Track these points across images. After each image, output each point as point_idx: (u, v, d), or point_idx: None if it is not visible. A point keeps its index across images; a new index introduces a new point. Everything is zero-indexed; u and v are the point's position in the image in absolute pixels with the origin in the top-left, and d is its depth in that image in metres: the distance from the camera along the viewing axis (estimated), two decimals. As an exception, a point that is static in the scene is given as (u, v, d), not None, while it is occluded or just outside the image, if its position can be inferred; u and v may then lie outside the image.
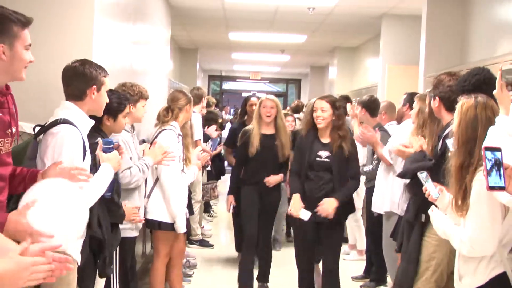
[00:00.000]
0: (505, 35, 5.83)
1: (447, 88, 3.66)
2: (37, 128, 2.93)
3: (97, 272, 3.36)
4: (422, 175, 3.08)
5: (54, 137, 2.80)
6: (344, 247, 6.48)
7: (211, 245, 7.53)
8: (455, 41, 7.02)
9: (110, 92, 3.53)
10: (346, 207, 4.81)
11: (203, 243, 7.49)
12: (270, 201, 5.62)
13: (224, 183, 9.67)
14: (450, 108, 3.44)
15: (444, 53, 7.02)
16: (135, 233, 4.21)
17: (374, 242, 5.68)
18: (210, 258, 7.00)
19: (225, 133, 9.23)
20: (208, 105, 8.36)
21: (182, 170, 4.74)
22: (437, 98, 3.71)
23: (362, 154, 5.55)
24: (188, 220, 4.76)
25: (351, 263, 6.66)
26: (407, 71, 8.52)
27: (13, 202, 2.48)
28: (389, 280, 5.66)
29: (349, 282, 6.02)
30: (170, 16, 8.98)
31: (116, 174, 3.32)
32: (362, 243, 6.77)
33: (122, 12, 5.19)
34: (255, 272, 5.78)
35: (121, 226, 3.73)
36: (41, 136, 2.88)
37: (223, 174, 9.13)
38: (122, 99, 3.76)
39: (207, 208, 9.25)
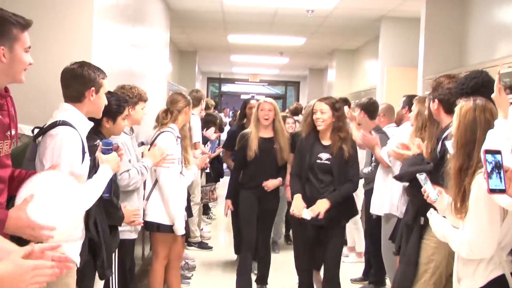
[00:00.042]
0: (504, 38, 5.84)
1: (447, 90, 3.66)
2: (36, 130, 2.94)
3: (96, 274, 3.36)
4: (421, 177, 3.08)
5: (53, 139, 2.81)
6: (343, 250, 6.47)
7: (210, 247, 7.53)
8: (453, 43, 7.02)
9: (109, 94, 3.53)
10: (347, 210, 4.78)
11: (202, 245, 7.49)
12: (268, 205, 5.60)
13: (223, 185, 9.66)
14: (449, 110, 3.44)
15: (443, 56, 7.02)
16: (134, 235, 4.21)
17: (373, 244, 5.68)
18: (209, 260, 6.99)
19: (224, 136, 9.24)
20: (207, 107, 8.37)
21: (181, 172, 4.74)
22: (436, 100, 3.71)
23: (360, 156, 5.55)
24: (187, 222, 4.76)
25: (350, 266, 6.66)
26: (406, 74, 8.52)
27: (12, 204, 2.49)
28: (388, 282, 5.67)
29: (348, 284, 6.02)
30: (169, 19, 8.98)
31: (115, 176, 3.33)
32: (361, 245, 6.77)
33: (121, 15, 5.19)
34: (254, 277, 5.78)
35: (120, 228, 3.73)
36: (40, 138, 2.88)
37: (222, 177, 9.14)
38: (121, 101, 3.76)
39: (206, 210, 9.25)
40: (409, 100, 5.30)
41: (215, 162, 8.34)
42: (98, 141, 3.24)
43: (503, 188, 2.33)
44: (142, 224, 4.28)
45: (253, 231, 5.49)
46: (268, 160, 5.47)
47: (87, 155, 2.94)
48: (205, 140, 7.54)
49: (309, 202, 4.62)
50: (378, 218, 5.23)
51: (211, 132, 7.92)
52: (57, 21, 4.12)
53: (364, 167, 5.68)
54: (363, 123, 5.83)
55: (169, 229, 4.57)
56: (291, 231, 7.50)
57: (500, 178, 2.33)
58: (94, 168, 3.02)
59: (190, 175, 5.00)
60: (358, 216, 6.63)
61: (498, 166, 2.34)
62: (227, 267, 6.72)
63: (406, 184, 3.92)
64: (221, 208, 5.72)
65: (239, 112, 7.41)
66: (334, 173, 4.62)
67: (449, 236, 2.85)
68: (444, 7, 7.09)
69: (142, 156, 4.30)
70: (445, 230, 2.90)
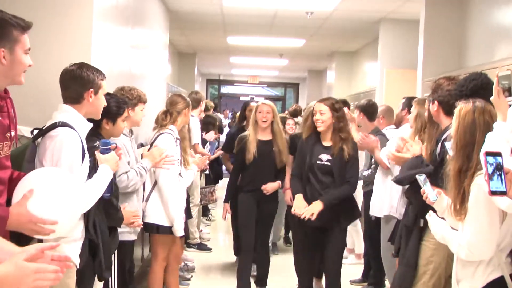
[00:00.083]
0: (503, 40, 5.85)
1: (446, 92, 3.65)
2: (35, 131, 2.94)
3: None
4: (421, 178, 3.08)
5: (53, 140, 2.81)
6: (342, 251, 6.48)
7: (209, 249, 7.53)
8: (453, 45, 7.03)
9: (109, 96, 3.54)
10: (348, 213, 4.73)
11: (201, 247, 7.49)
12: (267, 208, 5.57)
13: (222, 187, 9.66)
14: (449, 112, 3.45)
15: (442, 58, 7.03)
16: (133, 237, 4.21)
17: (372, 246, 5.68)
18: (208, 262, 6.99)
19: (223, 138, 9.24)
20: (206, 109, 8.37)
21: (180, 174, 4.74)
22: (436, 102, 3.71)
23: (359, 158, 5.54)
24: (186, 224, 4.76)
25: (349, 267, 6.65)
26: (405, 75, 8.53)
27: (10, 203, 2.49)
28: (387, 283, 5.66)
29: (348, 286, 6.02)
30: (168, 21, 8.99)
31: (114, 177, 3.33)
32: (360, 247, 6.78)
33: (120, 16, 5.20)
34: (253, 279, 5.77)
35: (119, 230, 3.73)
36: (39, 139, 2.88)
37: (221, 178, 9.14)
38: (121, 103, 3.77)
39: (205, 212, 9.25)
40: (408, 102, 5.30)
41: (215, 164, 8.34)
42: (98, 142, 3.24)
43: (504, 190, 2.33)
44: (142, 226, 4.28)
45: (252, 234, 5.46)
46: (267, 162, 5.44)
47: (86, 156, 2.94)
48: (204, 141, 7.55)
49: (310, 203, 4.58)
50: (377, 219, 5.22)
51: (210, 135, 7.93)
52: (57, 23, 4.12)
53: (363, 170, 5.67)
54: (362, 125, 5.83)
55: (169, 230, 4.57)
56: (290, 233, 7.51)
57: (501, 180, 2.33)
58: (94, 169, 3.02)
59: (190, 175, 5.00)
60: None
61: (499, 168, 2.34)
62: (226, 268, 6.72)
63: (406, 186, 3.93)
64: (221, 210, 5.71)
65: (238, 114, 7.41)
66: (335, 174, 4.58)
67: (449, 238, 2.86)
68: (443, 9, 7.10)
69: (141, 158, 4.30)
70: (444, 232, 2.90)
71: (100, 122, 3.54)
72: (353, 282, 6.19)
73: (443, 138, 3.56)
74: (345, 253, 6.96)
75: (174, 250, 4.89)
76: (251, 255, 5.54)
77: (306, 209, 4.51)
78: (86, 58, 3.82)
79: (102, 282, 3.47)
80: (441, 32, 7.09)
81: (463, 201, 2.70)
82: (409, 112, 4.85)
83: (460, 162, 2.75)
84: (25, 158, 2.86)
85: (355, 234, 6.84)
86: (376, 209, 5.19)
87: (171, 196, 4.52)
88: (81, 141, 2.90)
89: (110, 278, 3.81)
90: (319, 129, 4.65)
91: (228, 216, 5.79)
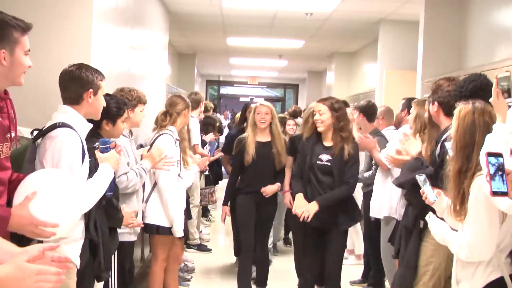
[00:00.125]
0: (503, 41, 5.85)
1: (446, 93, 3.66)
2: (35, 132, 2.94)
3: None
4: (420, 178, 3.08)
5: (53, 140, 2.81)
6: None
7: (209, 250, 7.53)
8: (452, 46, 7.03)
9: (109, 97, 3.55)
10: (348, 215, 4.69)
11: (201, 248, 7.49)
12: (266, 211, 5.53)
13: (222, 188, 9.66)
14: (449, 113, 3.45)
15: (441, 59, 7.03)
16: (133, 238, 4.22)
17: (372, 247, 5.68)
18: (208, 263, 6.99)
19: (223, 139, 9.23)
20: (206, 110, 8.37)
21: (179, 175, 4.74)
22: (436, 103, 3.71)
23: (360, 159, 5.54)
24: (186, 225, 4.76)
25: (349, 268, 6.65)
26: (405, 76, 8.53)
27: (10, 204, 2.49)
28: (387, 284, 5.66)
29: (348, 287, 6.02)
30: (168, 22, 8.99)
31: (113, 180, 3.33)
32: (360, 248, 6.78)
33: (120, 17, 5.20)
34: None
35: (119, 230, 3.73)
36: (39, 140, 2.89)
37: (221, 179, 9.14)
38: (121, 104, 3.77)
39: (205, 212, 9.25)
40: (408, 103, 5.30)
41: (214, 165, 8.34)
42: (97, 143, 3.25)
43: (506, 190, 2.33)
44: (142, 226, 4.29)
45: (251, 235, 5.43)
46: (266, 164, 5.40)
47: (86, 156, 2.94)
48: (204, 142, 7.55)
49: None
50: (377, 220, 5.22)
51: (210, 137, 7.93)
52: (57, 24, 4.13)
53: (364, 171, 5.66)
54: (362, 125, 5.83)
55: (169, 231, 4.57)
56: (290, 234, 7.51)
57: (503, 180, 2.33)
58: (95, 169, 3.03)
59: (191, 175, 5.00)
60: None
61: (501, 169, 2.34)
62: (226, 269, 6.72)
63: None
64: (220, 211, 5.71)
65: (238, 115, 7.40)
66: (334, 174, 4.55)
67: (448, 239, 2.86)
68: (443, 11, 7.10)
69: (141, 159, 4.30)
70: (444, 233, 2.91)
71: (100, 123, 3.55)
72: (353, 282, 6.19)
73: (442, 138, 3.56)
74: (345, 254, 6.95)
75: (174, 251, 4.89)
76: (251, 256, 5.53)
77: (302, 210, 4.50)
78: (86, 59, 3.82)
79: (102, 283, 3.47)
80: (440, 33, 7.09)
81: (463, 202, 2.71)
82: (408, 113, 4.85)
83: (460, 162, 2.76)
84: (25, 159, 2.87)
85: (355, 235, 6.84)
86: (376, 210, 5.19)
87: (170, 197, 4.52)
88: (81, 141, 2.90)
89: (110, 279, 3.82)
90: (319, 129, 4.63)
91: (228, 217, 5.78)
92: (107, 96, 3.19)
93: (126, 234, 4.07)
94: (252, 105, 6.47)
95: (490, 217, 2.62)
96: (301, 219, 4.48)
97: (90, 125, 3.06)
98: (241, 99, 25.41)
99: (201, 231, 7.97)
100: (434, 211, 3.07)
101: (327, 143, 4.65)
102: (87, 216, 3.04)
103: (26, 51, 2.38)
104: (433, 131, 3.82)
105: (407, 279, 3.68)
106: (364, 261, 6.32)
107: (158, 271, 4.75)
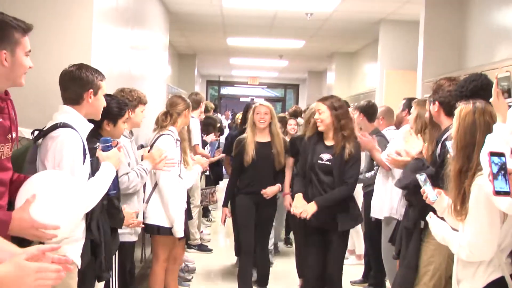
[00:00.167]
0: (503, 41, 5.85)
1: (447, 93, 3.66)
2: (36, 133, 2.94)
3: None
4: (421, 177, 3.08)
5: (54, 140, 2.81)
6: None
7: (210, 250, 7.54)
8: (453, 46, 7.03)
9: (110, 97, 3.55)
10: (348, 216, 4.63)
11: (202, 248, 7.49)
12: (266, 212, 5.53)
13: (222, 188, 9.66)
14: (450, 113, 3.45)
15: (442, 59, 7.03)
16: (134, 238, 4.22)
17: (373, 247, 5.69)
18: (208, 263, 6.99)
19: (223, 139, 9.24)
20: (207, 110, 8.38)
21: (179, 175, 4.74)
22: (436, 102, 3.71)
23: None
24: (186, 225, 4.76)
25: (350, 268, 6.65)
26: (405, 76, 8.53)
27: (12, 206, 2.49)
28: (388, 284, 5.67)
29: (348, 287, 6.02)
30: (168, 22, 8.99)
31: (116, 178, 3.33)
32: (360, 248, 6.77)
33: (120, 18, 5.20)
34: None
35: (120, 231, 3.74)
36: (40, 140, 2.89)
37: (222, 179, 9.14)
38: (122, 104, 3.77)
39: (205, 213, 9.25)
40: (408, 103, 5.30)
41: (215, 165, 8.33)
42: (98, 143, 3.25)
43: (508, 190, 2.33)
44: (143, 226, 4.29)
45: (251, 236, 5.43)
46: (266, 165, 5.39)
47: (87, 156, 2.95)
48: (205, 143, 7.55)
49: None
50: (377, 220, 5.22)
51: (210, 138, 7.93)
52: (57, 24, 4.13)
53: (365, 171, 5.65)
54: (362, 125, 5.83)
55: (169, 231, 4.57)
56: (291, 234, 7.50)
57: (506, 180, 2.33)
58: (97, 169, 3.03)
59: (193, 175, 4.99)
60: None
61: (503, 168, 2.34)
62: (227, 269, 6.72)
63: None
64: (221, 211, 5.71)
65: (238, 115, 7.39)
66: (334, 174, 4.51)
67: (449, 239, 2.86)
68: (443, 11, 7.10)
69: (141, 159, 4.30)
70: (445, 233, 2.91)
71: (101, 123, 3.55)
72: (353, 282, 6.19)
73: (443, 138, 3.56)
74: (346, 254, 6.96)
75: (174, 251, 4.89)
76: (252, 256, 5.53)
77: (301, 210, 4.49)
78: (86, 59, 3.82)
79: (103, 283, 3.48)
80: (441, 33, 7.09)
81: (464, 202, 2.71)
82: (409, 113, 4.85)
83: (460, 162, 2.76)
84: (26, 159, 2.87)
85: (355, 235, 6.83)
86: (377, 211, 5.19)
87: (171, 198, 4.53)
88: (82, 141, 2.90)
89: (111, 279, 3.82)
90: (319, 129, 4.60)
91: (228, 218, 5.77)
92: (108, 96, 3.20)
93: (127, 234, 4.07)
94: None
95: (491, 217, 2.62)
96: (299, 217, 4.47)
97: (91, 125, 3.07)
98: (242, 99, 25.39)
99: (201, 232, 7.97)
100: (434, 211, 3.07)
101: (329, 142, 4.61)
102: (90, 217, 3.04)
103: (27, 51, 2.38)
104: (433, 131, 3.82)
105: (408, 279, 3.68)
106: (364, 261, 6.32)
107: (159, 272, 4.76)
